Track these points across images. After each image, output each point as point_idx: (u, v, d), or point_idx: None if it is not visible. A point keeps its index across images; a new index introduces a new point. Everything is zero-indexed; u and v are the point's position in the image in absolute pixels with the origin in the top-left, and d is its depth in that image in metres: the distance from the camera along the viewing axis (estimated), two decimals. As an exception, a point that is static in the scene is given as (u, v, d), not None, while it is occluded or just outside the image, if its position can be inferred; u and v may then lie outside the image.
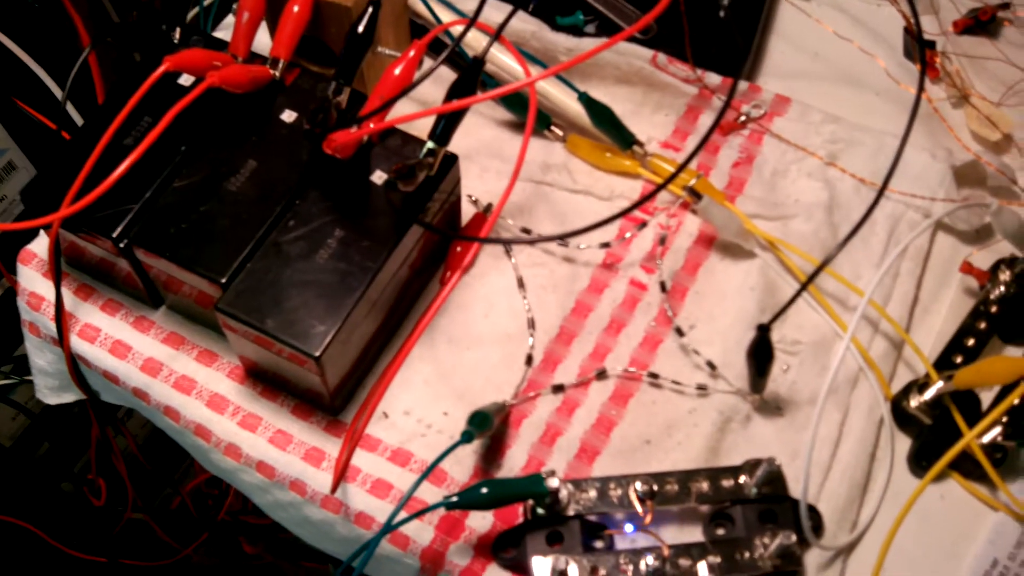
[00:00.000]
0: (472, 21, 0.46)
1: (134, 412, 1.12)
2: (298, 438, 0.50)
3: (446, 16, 0.61)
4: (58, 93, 0.75)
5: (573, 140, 0.60)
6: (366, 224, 0.49)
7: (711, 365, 0.52)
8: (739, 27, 0.64)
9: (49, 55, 0.75)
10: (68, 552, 1.01)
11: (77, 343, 0.53)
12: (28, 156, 0.85)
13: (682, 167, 0.44)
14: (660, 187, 0.44)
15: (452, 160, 0.51)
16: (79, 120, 0.71)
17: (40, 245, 0.56)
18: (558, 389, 0.52)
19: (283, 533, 1.10)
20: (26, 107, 0.79)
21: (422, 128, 0.50)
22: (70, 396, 0.59)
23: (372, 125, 0.48)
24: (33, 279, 0.55)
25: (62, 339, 0.52)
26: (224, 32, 0.67)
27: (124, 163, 0.44)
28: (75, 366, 0.54)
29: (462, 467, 0.49)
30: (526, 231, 0.57)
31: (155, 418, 0.54)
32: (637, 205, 0.45)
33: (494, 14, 0.61)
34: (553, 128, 0.60)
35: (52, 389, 0.59)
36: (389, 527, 0.45)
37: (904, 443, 0.52)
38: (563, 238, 0.55)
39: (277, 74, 0.52)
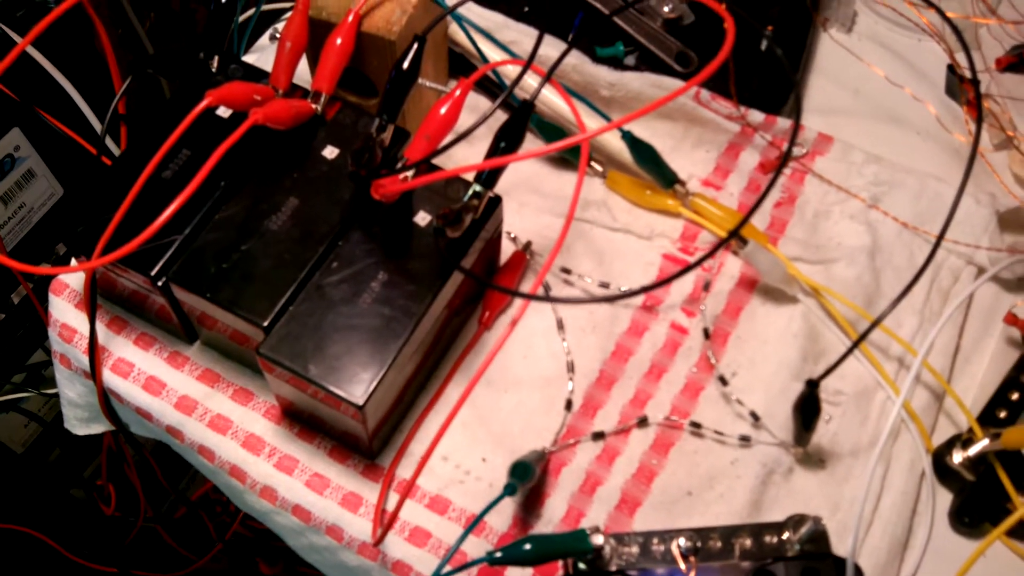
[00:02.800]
0: (528, 64, 0.45)
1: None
2: (335, 482, 0.49)
3: (487, 48, 0.60)
4: (86, 108, 0.74)
5: (613, 176, 0.59)
6: (409, 267, 0.48)
7: (755, 416, 0.51)
8: (781, 62, 0.63)
9: (68, 59, 0.75)
10: (79, 562, 1.00)
11: (110, 377, 0.52)
12: (48, 164, 0.84)
13: (747, 218, 0.43)
14: (729, 237, 0.43)
15: (496, 202, 0.50)
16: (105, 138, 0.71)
17: (72, 276, 0.55)
18: (598, 436, 0.51)
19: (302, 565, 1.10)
20: (49, 117, 0.78)
21: (464, 158, 0.50)
22: (99, 428, 0.58)
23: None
24: (65, 310, 0.54)
25: (95, 374, 0.52)
26: (255, 56, 0.66)
27: (166, 211, 0.43)
28: (107, 400, 0.54)
29: (501, 517, 0.49)
30: (566, 270, 0.56)
31: (189, 456, 0.53)
32: (709, 256, 0.44)
33: (526, 41, 0.60)
34: (593, 164, 0.59)
35: (81, 420, 0.58)
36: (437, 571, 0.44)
37: (945, 498, 0.51)
38: (617, 297, 0.54)
39: (319, 108, 0.51)
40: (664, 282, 0.44)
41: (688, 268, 0.43)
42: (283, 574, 1.06)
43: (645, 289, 0.44)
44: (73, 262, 0.55)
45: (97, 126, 0.75)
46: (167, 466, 1.10)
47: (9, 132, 0.79)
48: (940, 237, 0.47)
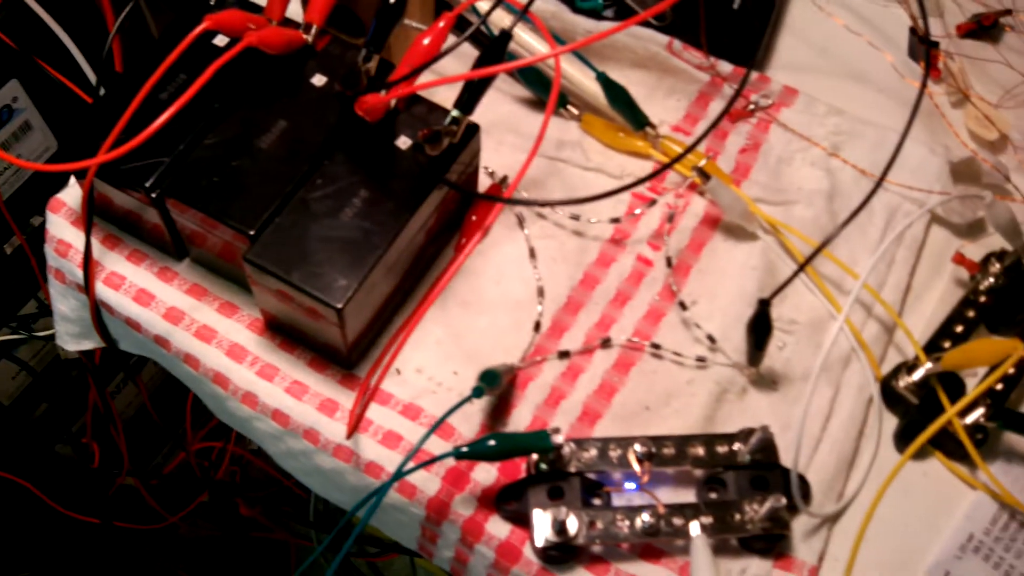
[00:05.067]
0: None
1: (129, 381, 1.14)
2: (313, 389, 0.52)
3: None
4: (82, 60, 0.76)
5: (588, 119, 0.62)
6: (390, 186, 0.51)
7: (711, 339, 0.55)
8: (752, 19, 0.66)
9: (65, 10, 0.77)
10: (62, 512, 1.02)
11: (102, 290, 0.55)
12: (44, 118, 0.86)
13: (695, 144, 0.47)
14: (674, 161, 0.47)
15: (474, 129, 0.53)
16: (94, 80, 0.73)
17: (69, 195, 0.58)
18: (564, 355, 0.54)
19: (281, 499, 1.13)
20: (47, 67, 0.81)
21: (445, 100, 0.53)
22: (89, 343, 0.61)
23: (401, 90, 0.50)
24: (62, 227, 0.57)
25: (88, 285, 0.54)
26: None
27: (165, 113, 0.46)
28: (98, 313, 0.56)
29: (470, 424, 0.52)
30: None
31: (174, 366, 0.56)
32: (650, 178, 0.48)
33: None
34: (569, 107, 0.62)
35: (72, 336, 0.61)
36: (400, 474, 0.47)
37: (892, 422, 0.54)
38: (579, 202, 0.57)
39: (310, 39, 0.54)
40: (617, 191, 0.46)
41: (635, 183, 0.46)
42: (261, 516, 1.09)
43: (604, 195, 0.47)
44: (71, 183, 0.58)
45: (92, 77, 0.78)
46: (152, 425, 1.12)
47: (7, 83, 0.81)
48: (884, 173, 0.50)
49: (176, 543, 1.21)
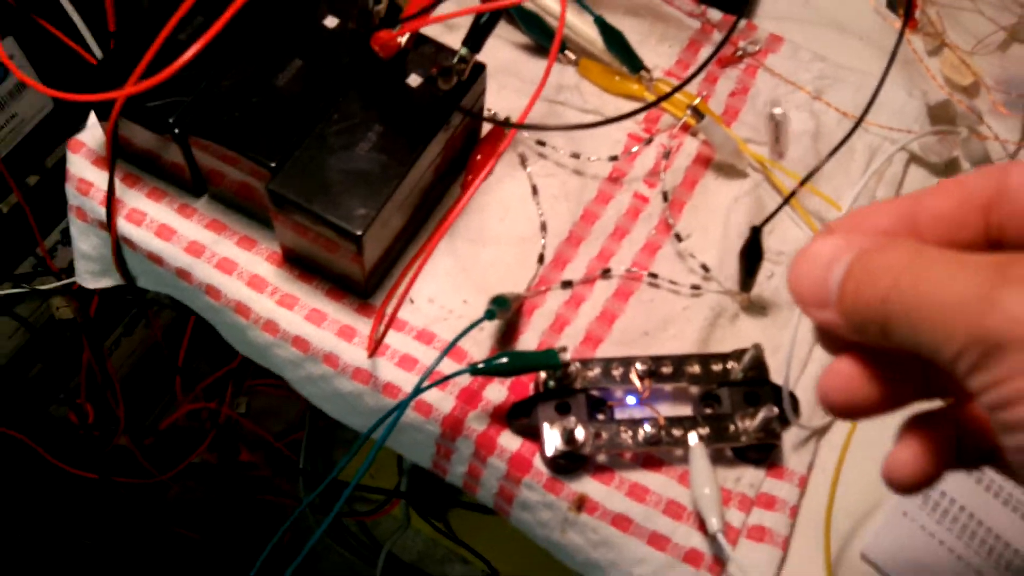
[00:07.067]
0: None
1: (123, 340, 1.16)
2: (332, 317, 0.55)
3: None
4: (72, 12, 0.77)
5: (585, 64, 0.65)
6: (402, 122, 0.53)
7: (705, 268, 0.58)
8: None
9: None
10: (60, 466, 1.04)
11: (123, 225, 0.57)
12: (41, 78, 0.87)
13: (688, 80, 0.50)
14: (669, 94, 0.49)
15: (480, 69, 0.56)
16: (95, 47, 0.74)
17: (89, 135, 0.60)
18: (567, 285, 0.57)
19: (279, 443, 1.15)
20: (46, 24, 0.82)
21: (452, 42, 0.55)
22: (108, 281, 0.63)
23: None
24: (82, 166, 0.59)
25: (111, 222, 0.57)
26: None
27: (190, 50, 0.48)
28: (119, 250, 0.59)
29: (480, 348, 0.55)
30: (541, 143, 0.62)
31: (194, 298, 0.58)
32: (652, 106, 0.50)
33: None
34: (567, 52, 0.65)
35: (92, 273, 0.63)
36: (419, 390, 0.50)
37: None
38: (585, 127, 0.60)
39: (322, -18, 0.56)
40: (615, 119, 0.49)
41: (620, 118, 0.48)
42: (263, 463, 1.12)
43: (602, 123, 0.50)
44: (90, 123, 0.60)
45: (88, 35, 0.78)
46: (145, 384, 1.14)
47: (4, 40, 0.82)
48: (863, 114, 0.54)
49: (170, 502, 1.23)
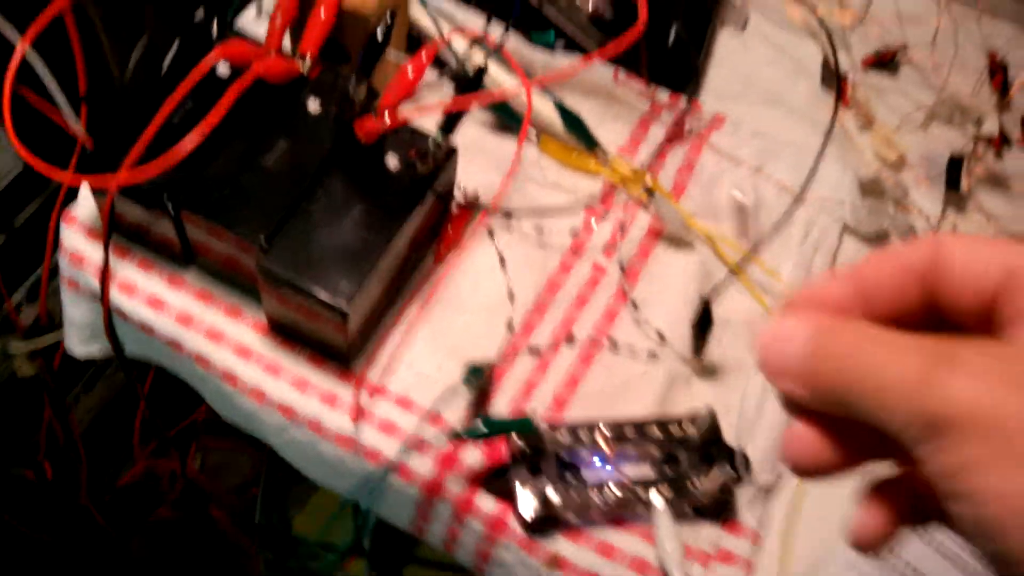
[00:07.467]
0: (483, 37, 0.55)
1: (82, 397, 1.17)
2: (315, 383, 0.58)
3: (445, 27, 0.70)
4: (46, 76, 0.79)
5: (545, 141, 0.70)
6: (382, 199, 0.57)
7: (660, 335, 0.63)
8: (685, 52, 0.75)
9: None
10: (21, 529, 1.04)
11: (116, 296, 0.60)
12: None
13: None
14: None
15: (453, 152, 0.60)
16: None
17: (81, 209, 0.63)
18: (534, 351, 0.62)
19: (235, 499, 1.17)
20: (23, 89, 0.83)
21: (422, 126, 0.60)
22: (97, 348, 0.66)
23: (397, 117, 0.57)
24: (76, 240, 0.62)
25: (104, 293, 0.59)
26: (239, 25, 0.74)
27: (190, 139, 0.51)
28: (110, 320, 0.61)
29: (455, 413, 0.59)
30: (508, 215, 0.66)
31: (184, 367, 0.61)
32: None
33: (476, 22, 0.71)
34: (529, 130, 0.70)
35: (82, 340, 0.66)
36: (403, 453, 0.54)
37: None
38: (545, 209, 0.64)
39: (305, 69, 0.60)
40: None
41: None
42: (224, 517, 1.13)
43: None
44: (82, 197, 0.63)
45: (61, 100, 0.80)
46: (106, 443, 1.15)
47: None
48: (802, 191, 0.59)
49: (132, 560, 1.23)
